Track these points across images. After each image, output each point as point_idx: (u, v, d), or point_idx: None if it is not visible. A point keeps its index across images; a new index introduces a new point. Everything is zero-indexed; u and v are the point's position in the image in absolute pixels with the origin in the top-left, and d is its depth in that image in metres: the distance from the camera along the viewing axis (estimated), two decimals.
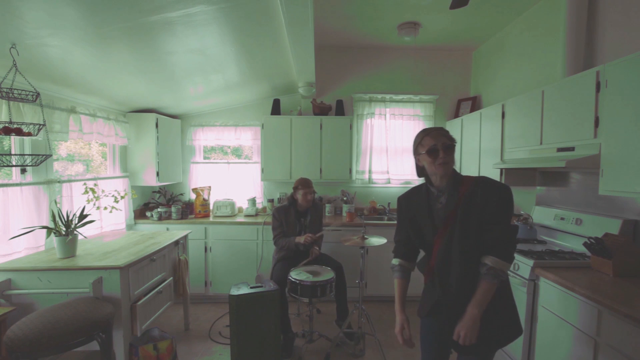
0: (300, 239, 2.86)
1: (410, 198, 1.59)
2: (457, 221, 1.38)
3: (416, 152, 1.51)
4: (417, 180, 4.12)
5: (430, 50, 4.04)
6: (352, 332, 2.79)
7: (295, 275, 2.58)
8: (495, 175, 2.89)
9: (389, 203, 4.10)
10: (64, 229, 2.26)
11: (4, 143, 2.40)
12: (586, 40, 2.36)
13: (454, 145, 1.44)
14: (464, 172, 3.48)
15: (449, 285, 1.42)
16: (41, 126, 2.13)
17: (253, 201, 3.89)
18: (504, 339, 1.42)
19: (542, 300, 2.00)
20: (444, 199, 1.45)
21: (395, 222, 3.60)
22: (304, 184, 2.95)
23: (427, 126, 4.07)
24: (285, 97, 4.09)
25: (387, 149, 4.12)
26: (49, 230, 2.24)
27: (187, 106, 3.83)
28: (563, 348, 1.82)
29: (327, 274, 2.61)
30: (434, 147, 1.41)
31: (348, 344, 2.74)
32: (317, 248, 2.98)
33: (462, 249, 1.37)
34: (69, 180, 2.77)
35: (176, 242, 2.91)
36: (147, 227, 3.57)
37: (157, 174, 3.57)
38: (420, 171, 1.53)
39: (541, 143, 2.35)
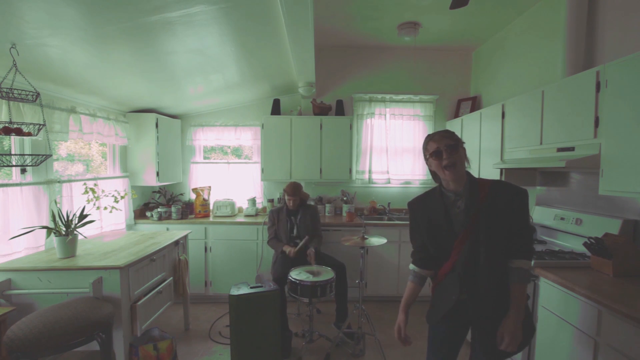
0: (287, 249, 3.00)
1: (424, 203, 1.56)
2: (482, 227, 1.38)
3: (425, 158, 1.52)
4: (418, 180, 4.13)
5: (430, 50, 4.04)
6: (352, 332, 2.79)
7: (295, 275, 2.58)
8: (495, 175, 2.89)
9: (389, 203, 4.10)
10: (64, 229, 2.26)
11: (4, 143, 2.40)
12: (586, 40, 2.36)
13: (458, 145, 1.42)
14: None
15: (476, 291, 1.41)
16: (41, 126, 2.13)
17: (253, 201, 3.89)
18: (524, 342, 1.41)
19: (542, 300, 2.00)
20: (462, 203, 1.43)
21: (395, 222, 3.63)
22: (289, 190, 3.11)
23: (427, 126, 4.10)
24: (285, 97, 4.09)
25: (387, 149, 4.12)
26: (49, 230, 2.24)
27: (187, 106, 3.83)
28: (563, 348, 1.82)
29: (327, 274, 2.61)
30: (437, 149, 1.43)
31: (348, 344, 2.74)
32: (313, 250, 2.98)
33: (489, 254, 1.37)
34: (69, 180, 2.76)
35: (176, 242, 2.91)
36: (147, 227, 3.57)
37: (157, 174, 3.57)
38: (435, 176, 1.53)
39: (541, 143, 2.35)
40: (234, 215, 3.85)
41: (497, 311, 1.40)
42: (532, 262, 2.04)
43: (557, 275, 1.88)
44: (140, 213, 3.83)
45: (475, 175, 3.19)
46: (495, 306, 1.40)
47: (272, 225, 3.22)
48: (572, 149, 2.10)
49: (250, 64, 2.98)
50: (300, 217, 3.15)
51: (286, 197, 3.15)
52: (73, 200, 2.75)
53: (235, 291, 2.42)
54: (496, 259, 1.38)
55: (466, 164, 1.47)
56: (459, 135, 3.80)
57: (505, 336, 1.35)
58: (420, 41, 3.72)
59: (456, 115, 4.05)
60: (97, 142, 3.26)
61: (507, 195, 1.39)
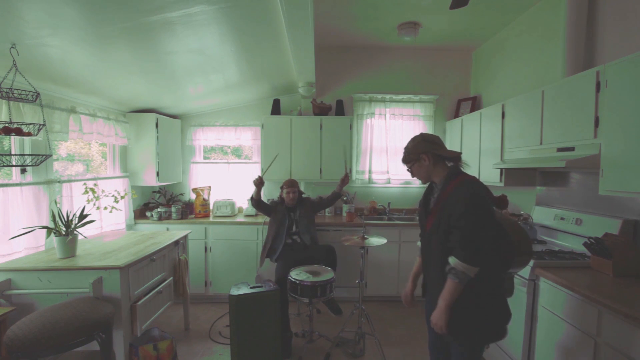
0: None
1: (426, 189, 1.77)
2: (437, 219, 1.53)
3: None
4: (418, 181, 4.10)
5: (430, 50, 4.04)
6: (352, 332, 2.79)
7: (295, 275, 2.58)
8: (495, 175, 2.89)
9: (389, 203, 4.10)
10: (64, 229, 2.26)
11: (4, 143, 2.40)
12: (586, 40, 2.36)
13: (412, 166, 1.66)
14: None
15: (428, 278, 1.68)
16: (41, 126, 2.13)
17: None
18: (466, 338, 1.49)
19: (542, 300, 2.00)
20: (437, 193, 1.60)
21: (395, 222, 3.64)
22: (288, 183, 3.20)
23: (427, 126, 4.11)
24: (285, 97, 4.09)
25: (387, 149, 4.12)
26: (49, 230, 2.24)
27: (187, 106, 3.83)
28: (563, 348, 1.82)
29: (327, 274, 2.61)
30: None
31: (348, 344, 2.74)
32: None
33: (436, 245, 1.55)
34: (69, 180, 2.76)
35: (176, 242, 2.91)
36: (147, 227, 3.57)
37: (157, 174, 3.57)
38: None
39: (541, 143, 2.35)
40: (234, 215, 3.85)
41: (439, 295, 1.52)
42: (532, 262, 2.04)
43: (557, 275, 1.88)
44: (140, 213, 3.83)
45: (474, 175, 3.20)
46: (437, 289, 1.53)
47: (269, 204, 3.25)
48: (572, 149, 2.10)
49: (250, 64, 2.98)
50: (299, 213, 3.16)
51: (285, 191, 3.16)
52: (73, 200, 2.75)
53: (235, 291, 2.43)
54: (440, 251, 1.51)
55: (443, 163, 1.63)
56: (459, 135, 3.78)
57: (432, 318, 1.50)
58: (420, 41, 3.72)
59: (456, 115, 4.05)
60: (97, 142, 3.26)
61: (457, 194, 1.47)
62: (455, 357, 1.57)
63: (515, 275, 2.16)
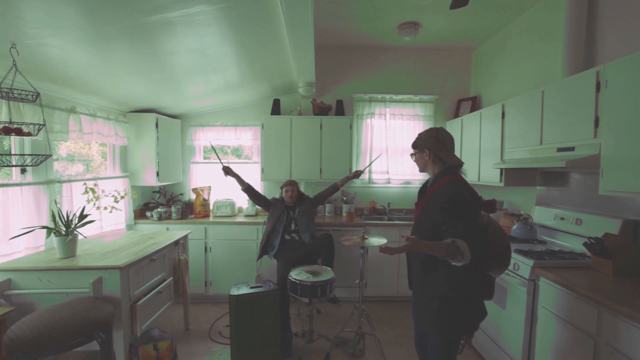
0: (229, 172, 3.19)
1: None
2: (422, 210, 1.63)
3: None
4: (418, 181, 4.13)
5: (430, 50, 4.04)
6: (352, 332, 2.79)
7: (295, 275, 2.58)
8: (495, 175, 2.89)
9: (389, 203, 4.10)
10: (64, 229, 2.26)
11: (4, 143, 2.40)
12: (586, 40, 2.36)
13: (416, 153, 1.73)
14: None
15: (412, 267, 1.72)
16: (41, 126, 2.13)
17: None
18: (444, 332, 1.55)
19: (542, 300, 2.00)
20: (428, 187, 1.69)
21: (395, 222, 3.64)
22: (287, 183, 3.27)
23: (427, 126, 4.11)
24: (285, 97, 4.09)
25: (387, 149, 4.12)
26: (49, 230, 2.24)
27: (187, 106, 3.83)
28: (563, 348, 1.82)
29: (327, 274, 2.61)
30: None
31: (348, 344, 2.74)
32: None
33: (417, 235, 1.58)
34: (69, 180, 2.76)
35: (176, 242, 2.91)
36: (147, 227, 3.57)
37: (157, 174, 3.57)
38: None
39: (541, 143, 2.35)
40: (234, 215, 3.85)
41: (419, 289, 1.64)
42: (532, 262, 2.05)
43: (557, 275, 1.88)
44: (140, 213, 3.83)
45: (474, 175, 3.20)
46: (417, 284, 1.65)
47: (267, 200, 3.29)
48: (572, 149, 2.10)
49: (250, 64, 2.98)
50: (298, 211, 3.18)
51: (284, 190, 3.20)
52: (73, 200, 2.75)
53: (235, 291, 2.43)
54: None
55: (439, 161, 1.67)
56: (459, 135, 3.78)
57: (409, 238, 1.43)
58: (420, 41, 3.72)
59: (456, 115, 4.05)
60: (97, 142, 3.26)
61: (443, 194, 1.52)
62: (430, 349, 1.63)
63: (516, 276, 2.17)
